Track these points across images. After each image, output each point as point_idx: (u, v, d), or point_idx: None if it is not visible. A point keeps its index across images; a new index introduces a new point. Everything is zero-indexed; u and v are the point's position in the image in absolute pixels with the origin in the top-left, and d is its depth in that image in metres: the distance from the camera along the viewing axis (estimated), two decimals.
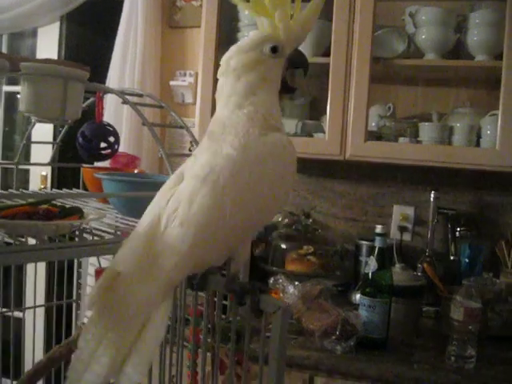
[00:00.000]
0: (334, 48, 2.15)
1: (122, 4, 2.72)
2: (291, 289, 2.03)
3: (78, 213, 0.94)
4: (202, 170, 0.77)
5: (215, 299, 1.04)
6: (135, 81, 2.63)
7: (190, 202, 0.75)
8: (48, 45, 3.11)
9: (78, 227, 0.92)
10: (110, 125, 1.39)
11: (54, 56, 3.07)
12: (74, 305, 1.70)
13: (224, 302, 1.10)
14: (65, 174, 3.05)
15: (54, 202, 0.97)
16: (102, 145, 1.37)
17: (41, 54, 3.14)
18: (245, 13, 2.31)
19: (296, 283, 2.15)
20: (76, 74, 1.06)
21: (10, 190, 1.34)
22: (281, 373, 0.77)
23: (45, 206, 0.91)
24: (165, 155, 1.03)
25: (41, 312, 1.69)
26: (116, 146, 1.38)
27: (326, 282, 2.18)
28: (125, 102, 1.13)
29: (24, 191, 1.27)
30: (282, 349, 0.76)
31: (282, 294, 2.03)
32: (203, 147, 0.83)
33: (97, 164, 1.65)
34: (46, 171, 3.04)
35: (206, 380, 1.08)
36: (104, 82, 2.69)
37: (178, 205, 0.75)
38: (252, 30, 2.18)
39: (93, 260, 1.79)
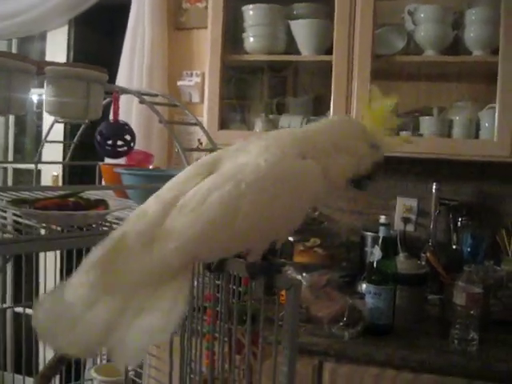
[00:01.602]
0: (336, 46, 2.22)
1: (129, 8, 2.80)
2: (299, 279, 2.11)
3: (103, 204, 1.02)
4: (230, 171, 0.80)
5: (230, 285, 1.12)
6: (144, 82, 2.71)
7: (208, 194, 0.77)
8: (56, 48, 3.19)
9: (104, 216, 1.00)
10: (126, 123, 1.47)
11: (63, 59, 3.15)
12: None
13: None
14: (75, 173, 3.13)
15: (80, 195, 1.05)
16: (119, 143, 1.45)
17: (50, 58, 3.22)
18: (249, 13, 2.38)
19: (304, 274, 2.23)
20: (97, 77, 1.14)
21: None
22: (294, 346, 0.85)
23: (73, 199, 0.99)
24: (181, 150, 1.11)
25: None
26: (132, 144, 1.46)
27: (332, 273, 2.26)
28: (142, 101, 1.21)
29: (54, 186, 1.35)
30: (295, 323, 0.84)
31: None
32: (246, 146, 0.86)
33: (109, 160, 1.73)
34: (58, 171, 3.12)
35: (223, 359, 1.16)
36: (113, 83, 2.77)
37: (194, 195, 0.78)
38: (257, 31, 2.25)
39: None
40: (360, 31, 2.19)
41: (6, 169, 3.48)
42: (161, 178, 1.22)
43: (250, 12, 2.38)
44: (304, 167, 0.82)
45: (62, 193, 1.04)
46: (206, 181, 0.80)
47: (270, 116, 2.43)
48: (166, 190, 0.83)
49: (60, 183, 3.10)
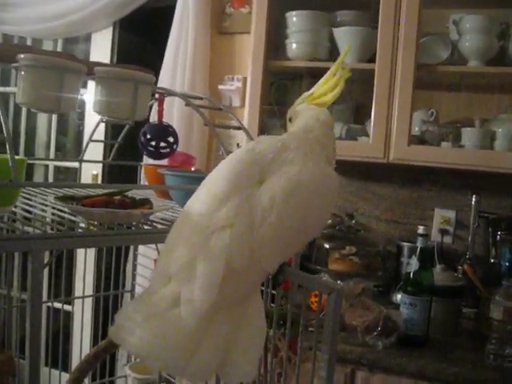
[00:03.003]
0: (380, 54, 2.21)
1: (174, 11, 2.83)
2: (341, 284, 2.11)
3: (148, 204, 1.03)
4: (290, 184, 0.86)
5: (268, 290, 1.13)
6: (185, 85, 2.74)
7: (285, 204, 0.83)
8: (101, 49, 3.25)
9: (147, 216, 1.02)
10: (169, 125, 1.48)
11: (107, 60, 3.21)
12: (130, 295, 1.81)
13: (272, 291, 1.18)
14: (114, 172, 3.19)
15: (126, 194, 1.07)
16: (162, 144, 1.47)
17: (94, 58, 3.28)
18: (293, 20, 2.39)
19: (338, 282, 2.22)
20: (146, 78, 1.16)
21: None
22: (333, 352, 0.85)
23: (119, 197, 1.01)
24: (226, 153, 1.12)
25: (88, 305, 1.79)
26: (175, 146, 1.47)
27: (367, 282, 2.25)
28: (188, 104, 1.22)
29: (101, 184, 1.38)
30: (336, 328, 0.84)
31: None
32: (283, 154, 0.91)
33: (150, 161, 1.75)
34: (97, 170, 3.17)
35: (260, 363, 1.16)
36: (156, 85, 2.80)
37: (272, 203, 0.83)
38: (299, 38, 2.25)
39: (144, 251, 1.90)
40: (404, 40, 2.18)
41: (47, 166, 3.55)
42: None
43: (293, 18, 2.39)
44: (333, 174, 0.94)
45: (106, 191, 1.06)
46: (272, 192, 0.85)
47: None
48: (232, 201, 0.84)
49: (99, 181, 3.15)
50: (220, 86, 2.81)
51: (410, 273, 1.94)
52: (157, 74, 2.85)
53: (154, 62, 2.86)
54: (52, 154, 3.51)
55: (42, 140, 3.71)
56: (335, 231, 2.46)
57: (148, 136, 1.48)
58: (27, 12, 3.19)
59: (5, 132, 0.86)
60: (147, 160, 1.76)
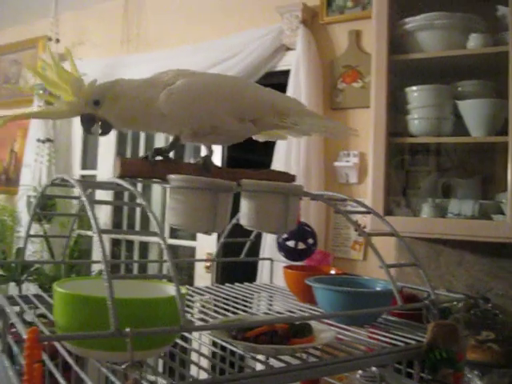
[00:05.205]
0: None
1: (285, 89, 2.83)
2: (478, 383, 1.93)
3: (309, 332, 0.96)
4: None
5: None
6: (300, 163, 2.70)
7: None
8: None
9: (310, 347, 0.94)
10: (308, 225, 1.43)
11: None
12: None
13: None
14: (228, 252, 3.14)
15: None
16: (301, 245, 1.41)
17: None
18: (414, 95, 2.30)
19: (475, 372, 2.05)
20: (296, 189, 1.10)
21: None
22: None
23: (280, 325, 0.94)
24: (386, 270, 1.03)
25: None
26: (314, 248, 1.41)
27: (510, 372, 2.06)
28: (337, 211, 1.15)
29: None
30: None
31: None
32: None
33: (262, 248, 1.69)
34: (212, 249, 3.16)
35: None
36: (268, 163, 2.79)
37: None
38: (422, 113, 2.15)
39: None
40: None
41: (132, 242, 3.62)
42: (362, 296, 1.15)
43: (414, 94, 2.30)
44: None
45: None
46: None
47: (437, 200, 2.30)
48: None
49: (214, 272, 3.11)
50: (336, 163, 2.75)
51: None
52: (271, 153, 2.83)
53: (267, 142, 2.84)
54: (167, 232, 3.55)
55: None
56: (470, 315, 2.29)
57: (285, 236, 1.43)
58: None
59: (171, 269, 0.82)
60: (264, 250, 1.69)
